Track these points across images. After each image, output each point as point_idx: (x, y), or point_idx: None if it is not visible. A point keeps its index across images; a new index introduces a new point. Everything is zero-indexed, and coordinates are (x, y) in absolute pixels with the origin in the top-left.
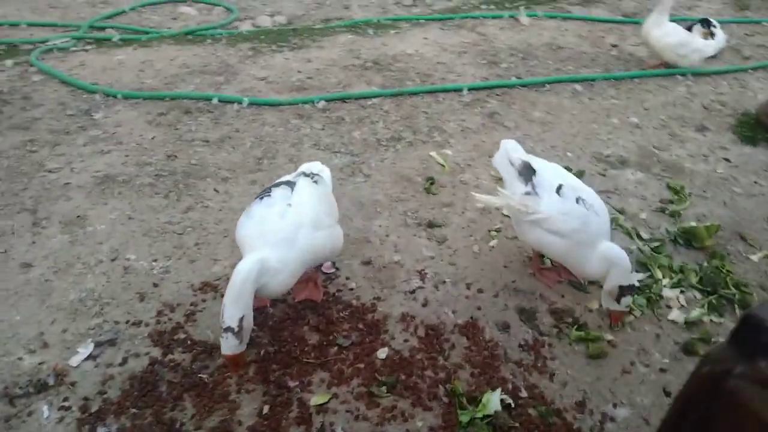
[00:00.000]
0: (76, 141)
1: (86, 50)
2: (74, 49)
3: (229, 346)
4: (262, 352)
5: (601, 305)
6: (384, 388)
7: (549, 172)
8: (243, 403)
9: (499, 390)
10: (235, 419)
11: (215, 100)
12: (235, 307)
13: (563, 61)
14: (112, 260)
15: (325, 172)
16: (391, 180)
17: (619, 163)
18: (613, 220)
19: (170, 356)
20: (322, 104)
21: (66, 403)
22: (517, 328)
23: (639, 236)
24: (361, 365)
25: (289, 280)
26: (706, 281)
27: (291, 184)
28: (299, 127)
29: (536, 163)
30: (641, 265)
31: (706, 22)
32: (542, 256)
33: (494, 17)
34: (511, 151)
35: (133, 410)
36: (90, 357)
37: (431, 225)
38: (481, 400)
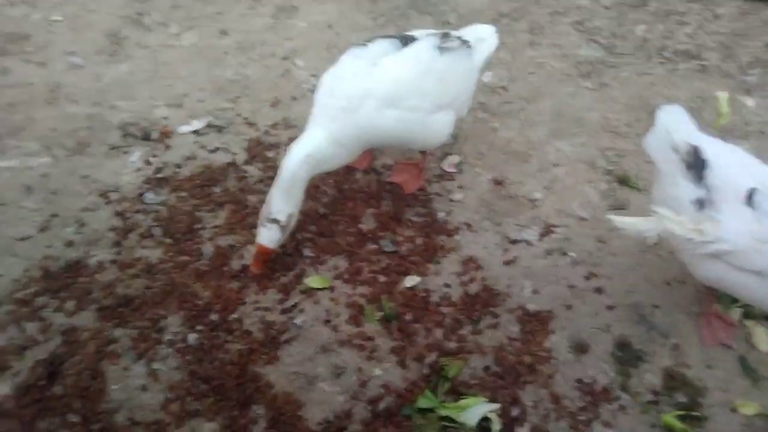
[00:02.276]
0: None
1: None
2: None
3: (269, 237)
4: (311, 207)
5: None
6: (378, 315)
7: (732, 164)
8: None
9: (496, 407)
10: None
11: None
12: (284, 202)
13: None
14: (283, 58)
15: (486, 45)
16: (626, 103)
17: None
18: None
19: (249, 165)
20: None
21: (151, 158)
22: (595, 361)
23: None
24: (383, 279)
25: (346, 160)
26: None
27: (407, 40)
28: None
29: (709, 148)
30: None
31: None
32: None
33: None
34: (673, 128)
35: (184, 194)
36: (195, 132)
37: (622, 181)
38: (462, 400)
